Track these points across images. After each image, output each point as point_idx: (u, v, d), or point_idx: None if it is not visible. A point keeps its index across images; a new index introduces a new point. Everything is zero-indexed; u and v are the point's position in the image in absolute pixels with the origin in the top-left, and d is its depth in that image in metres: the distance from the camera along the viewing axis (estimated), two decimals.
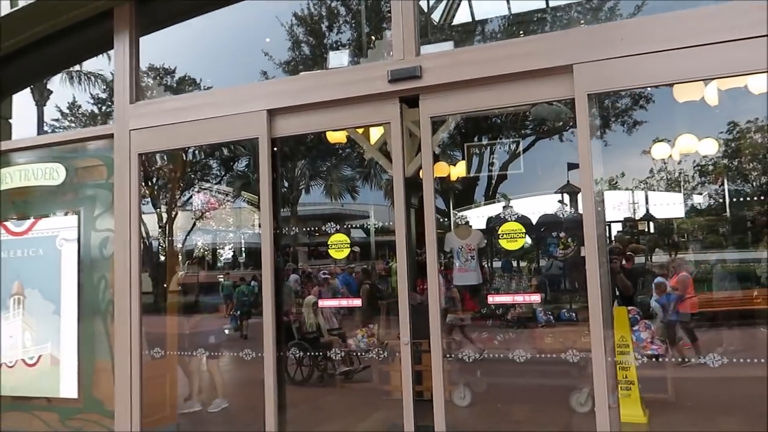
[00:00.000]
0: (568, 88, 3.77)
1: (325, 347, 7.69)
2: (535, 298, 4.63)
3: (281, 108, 4.42)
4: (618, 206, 9.88)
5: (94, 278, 4.96)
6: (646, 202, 11.21)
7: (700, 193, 11.02)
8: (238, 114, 4.51)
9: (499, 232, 4.41)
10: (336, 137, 8.05)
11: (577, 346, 5.55)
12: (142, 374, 4.70)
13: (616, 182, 11.58)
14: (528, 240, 7.41)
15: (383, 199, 14.46)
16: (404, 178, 4.07)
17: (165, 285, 6.88)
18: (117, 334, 4.75)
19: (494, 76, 3.92)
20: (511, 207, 6.48)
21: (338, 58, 4.46)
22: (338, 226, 4.54)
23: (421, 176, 4.14)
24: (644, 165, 10.67)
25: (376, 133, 7.36)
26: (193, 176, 14.30)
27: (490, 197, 11.64)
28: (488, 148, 10.34)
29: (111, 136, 4.90)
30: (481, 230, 6.72)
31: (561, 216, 5.85)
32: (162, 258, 8.41)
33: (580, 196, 3.84)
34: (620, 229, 10.88)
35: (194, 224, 14.00)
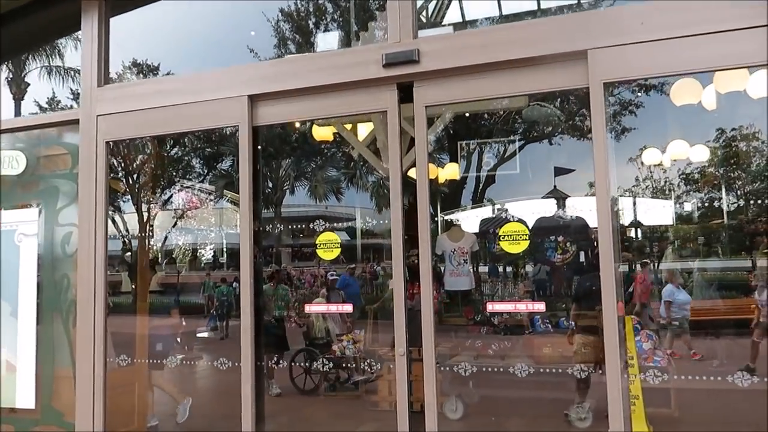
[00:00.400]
0: (581, 76, 3.35)
1: (335, 354, 6.88)
2: (539, 306, 4.18)
3: (264, 94, 3.94)
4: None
5: (56, 277, 4.44)
6: (634, 208, 10.88)
7: (688, 201, 10.73)
8: (216, 100, 4.02)
9: (499, 234, 3.96)
10: (322, 135, 7.58)
11: (578, 357, 5.16)
12: (106, 382, 4.16)
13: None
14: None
15: (369, 201, 14.01)
16: (402, 173, 3.61)
17: (134, 286, 6.32)
18: (79, 338, 4.22)
19: (500, 61, 3.49)
20: (506, 209, 6.03)
21: (327, 41, 3.99)
22: (327, 224, 4.06)
23: (410, 175, 3.70)
24: (638, 170, 10.35)
25: (364, 131, 6.92)
26: (174, 174, 13.75)
27: (477, 200, 11.23)
28: (476, 150, 9.93)
29: (76, 121, 4.37)
30: (474, 233, 6.30)
31: (559, 219, 5.44)
32: (141, 257, 7.87)
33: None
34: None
35: (175, 223, 13.46)
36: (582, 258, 5.46)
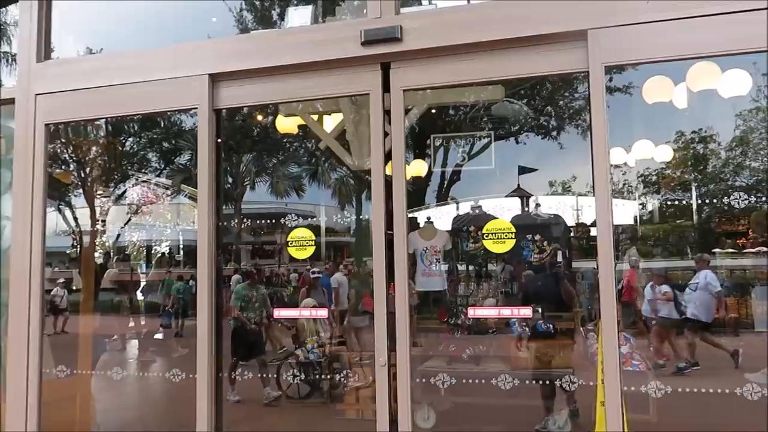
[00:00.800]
0: (579, 59, 3.02)
1: (329, 359, 6.04)
2: (526, 311, 3.81)
3: (227, 73, 3.46)
4: (575, 211, 9.30)
5: None
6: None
7: (651, 201, 10.62)
8: (173, 78, 3.52)
9: (483, 232, 3.58)
10: (286, 126, 7.07)
11: (555, 362, 4.84)
12: (41, 395, 3.60)
13: (570, 186, 11.07)
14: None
15: (330, 198, 13.53)
16: (384, 160, 3.18)
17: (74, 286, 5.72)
18: (11, 346, 3.65)
19: (491, 41, 3.10)
20: (480, 206, 5.66)
21: (299, 16, 3.52)
22: (300, 219, 3.60)
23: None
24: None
25: (330, 124, 6.47)
26: (129, 167, 12.97)
27: (442, 198, 10.87)
28: (441, 147, 9.57)
29: (12, 101, 3.79)
30: (448, 231, 5.93)
31: (536, 217, 5.10)
32: (90, 254, 7.24)
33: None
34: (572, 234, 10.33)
35: (129, 219, 12.70)
36: (559, 257, 5.15)
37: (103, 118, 4.25)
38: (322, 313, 4.41)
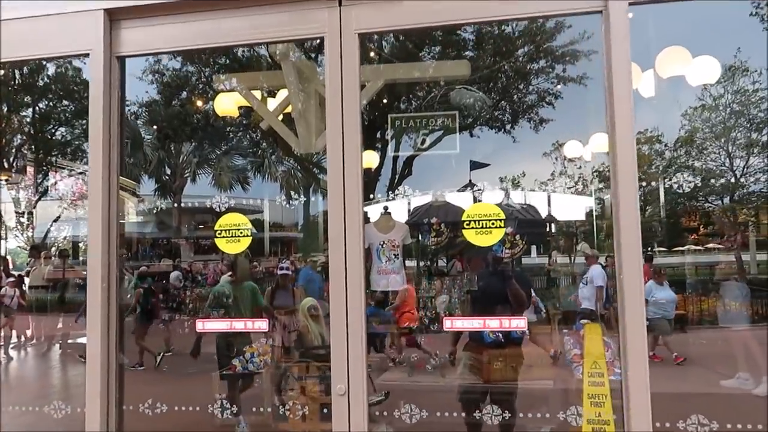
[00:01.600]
0: None
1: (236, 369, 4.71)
2: (519, 323, 2.99)
3: (130, 8, 2.51)
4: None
5: None
6: (549, 203, 10.16)
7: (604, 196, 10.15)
8: (56, 15, 2.52)
9: (463, 220, 2.75)
10: (225, 108, 6.07)
11: (530, 373, 4.10)
12: None
13: (518, 182, 10.51)
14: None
15: (278, 191, 12.49)
16: (342, 126, 2.29)
17: None
18: None
19: None
20: (443, 195, 4.85)
21: None
22: (231, 203, 2.67)
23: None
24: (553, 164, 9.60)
25: (272, 104, 5.57)
26: (56, 156, 11.58)
27: (393, 190, 10.05)
28: (394, 139, 8.77)
29: None
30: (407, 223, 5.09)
31: (507, 208, 4.34)
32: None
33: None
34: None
35: (59, 216, 11.33)
36: (534, 252, 4.42)
37: None
38: (261, 324, 3.31)
